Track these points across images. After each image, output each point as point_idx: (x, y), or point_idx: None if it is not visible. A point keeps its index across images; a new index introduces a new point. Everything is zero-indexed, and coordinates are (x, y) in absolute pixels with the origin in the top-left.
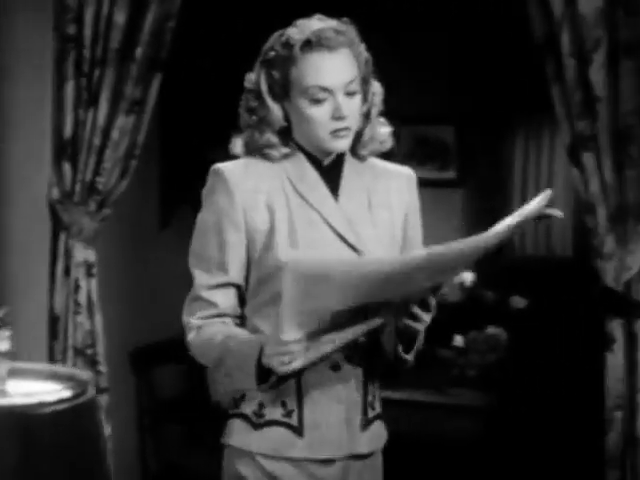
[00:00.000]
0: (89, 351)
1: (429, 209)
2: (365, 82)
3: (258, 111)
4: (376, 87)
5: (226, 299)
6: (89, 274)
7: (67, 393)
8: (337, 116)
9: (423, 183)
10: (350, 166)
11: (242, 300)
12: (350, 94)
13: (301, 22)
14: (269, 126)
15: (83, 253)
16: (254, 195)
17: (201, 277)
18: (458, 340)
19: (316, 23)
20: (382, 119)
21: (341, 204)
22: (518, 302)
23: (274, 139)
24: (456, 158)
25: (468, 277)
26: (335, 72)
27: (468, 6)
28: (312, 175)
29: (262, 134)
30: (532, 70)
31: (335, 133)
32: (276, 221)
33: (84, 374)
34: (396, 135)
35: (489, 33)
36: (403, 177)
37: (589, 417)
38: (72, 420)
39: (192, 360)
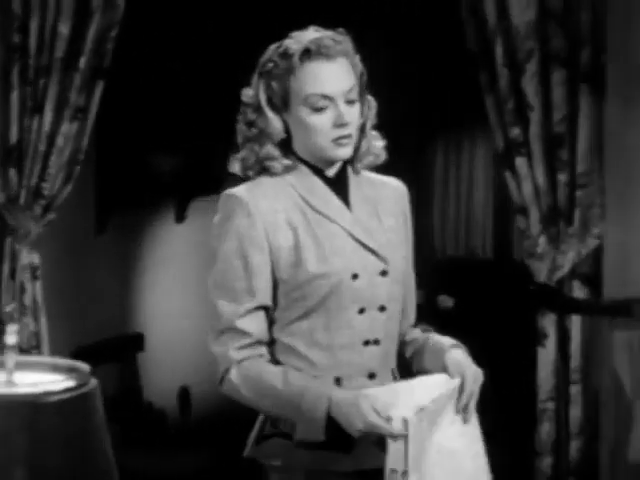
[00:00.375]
0: (34, 352)
1: None
2: (360, 94)
3: (257, 124)
4: (370, 100)
5: (257, 325)
6: (34, 277)
7: (71, 383)
8: (339, 123)
9: None
10: (352, 178)
11: (270, 321)
12: (350, 102)
13: (297, 33)
14: (269, 138)
15: (28, 256)
16: (274, 215)
17: (228, 307)
18: None
19: (313, 33)
20: (375, 133)
21: (355, 214)
22: (446, 301)
23: (275, 151)
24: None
25: None
26: (335, 80)
27: (388, 13)
28: (322, 188)
29: (262, 147)
30: (455, 78)
31: (337, 141)
32: (300, 237)
33: (84, 366)
34: None
35: (410, 42)
36: (397, 188)
37: (521, 410)
38: (77, 408)
39: (129, 360)
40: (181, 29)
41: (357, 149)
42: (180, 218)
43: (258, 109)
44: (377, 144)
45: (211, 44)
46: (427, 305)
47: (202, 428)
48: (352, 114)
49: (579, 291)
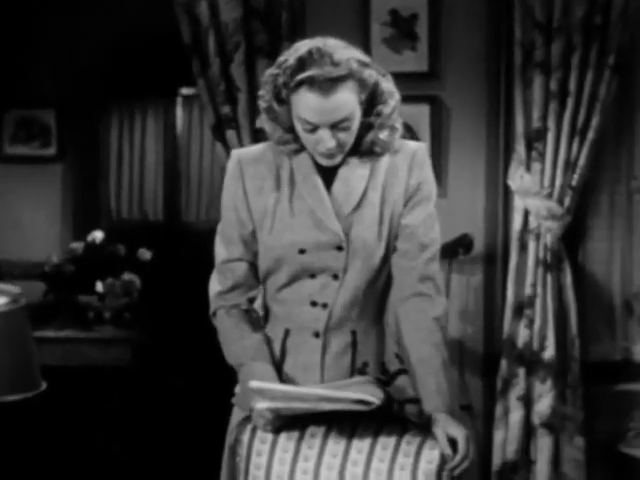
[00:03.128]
0: None
1: (33, 183)
2: (373, 98)
3: (269, 111)
4: (388, 100)
5: (237, 271)
6: None
7: (5, 299)
8: (323, 146)
9: (26, 160)
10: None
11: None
12: (341, 129)
13: (305, 55)
14: (279, 124)
15: None
16: (259, 181)
17: (220, 251)
18: (99, 286)
19: (314, 64)
20: (389, 125)
21: (333, 192)
22: (145, 254)
23: (286, 136)
24: (56, 137)
25: (98, 235)
26: (324, 113)
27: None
28: (309, 167)
29: (274, 131)
30: (127, 59)
31: (322, 154)
32: (269, 206)
33: (14, 288)
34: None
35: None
36: (408, 154)
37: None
38: (16, 317)
39: None
40: None
41: (360, 142)
42: None
43: (270, 98)
44: (382, 137)
45: None
46: (129, 257)
47: None
48: (341, 137)
49: None
